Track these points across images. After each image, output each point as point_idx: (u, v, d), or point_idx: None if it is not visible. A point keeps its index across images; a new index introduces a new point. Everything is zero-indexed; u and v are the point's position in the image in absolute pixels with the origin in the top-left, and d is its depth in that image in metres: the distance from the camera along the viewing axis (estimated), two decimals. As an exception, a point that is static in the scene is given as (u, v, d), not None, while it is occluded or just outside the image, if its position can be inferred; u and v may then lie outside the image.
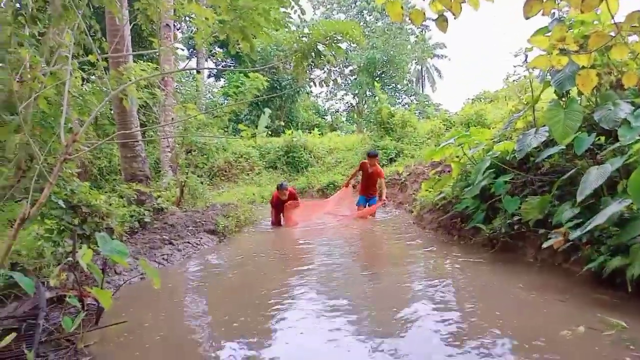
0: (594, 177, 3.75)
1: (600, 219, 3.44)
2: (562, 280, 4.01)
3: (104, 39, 4.93)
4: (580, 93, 4.82)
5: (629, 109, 4.21)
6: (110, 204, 5.15)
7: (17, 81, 3.49)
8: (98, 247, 3.17)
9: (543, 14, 2.45)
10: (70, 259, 3.97)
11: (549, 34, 2.99)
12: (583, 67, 2.96)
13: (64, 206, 4.16)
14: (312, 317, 3.44)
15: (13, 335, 2.55)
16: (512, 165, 5.47)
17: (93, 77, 5.43)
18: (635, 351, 2.54)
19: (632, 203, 3.36)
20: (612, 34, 2.52)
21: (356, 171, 9.59)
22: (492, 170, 5.55)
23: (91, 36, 4.08)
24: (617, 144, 4.08)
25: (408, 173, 11.78)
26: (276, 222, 8.84)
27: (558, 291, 3.71)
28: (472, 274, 4.48)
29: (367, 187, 9.28)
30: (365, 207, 9.25)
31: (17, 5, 4.00)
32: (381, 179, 9.06)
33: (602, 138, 4.49)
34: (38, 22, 3.88)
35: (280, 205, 8.76)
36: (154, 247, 5.78)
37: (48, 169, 3.55)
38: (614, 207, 3.43)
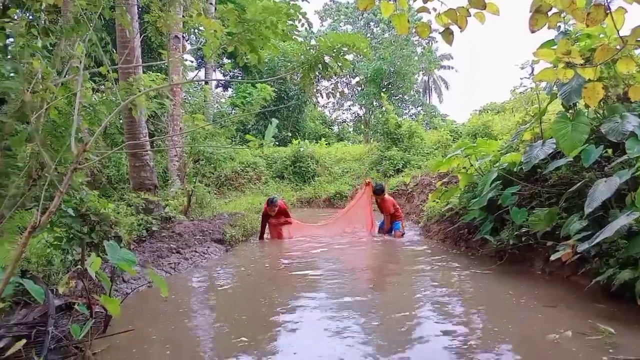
0: (601, 190, 3.74)
1: (608, 231, 3.42)
2: (569, 292, 4.02)
3: (115, 51, 5.01)
4: (587, 105, 4.82)
5: (637, 122, 4.21)
6: (118, 213, 5.20)
7: (29, 92, 3.56)
8: (106, 255, 3.21)
9: (549, 28, 2.47)
10: (79, 266, 4.01)
11: (555, 47, 3.01)
12: (589, 80, 2.97)
13: (73, 214, 4.20)
14: (319, 328, 3.44)
15: (23, 341, 2.58)
16: (520, 177, 5.46)
17: (103, 87, 5.51)
18: (612, 354, 2.69)
19: (640, 216, 3.35)
20: (618, 47, 2.53)
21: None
22: (499, 181, 5.55)
23: (102, 48, 4.15)
24: (625, 157, 4.07)
25: (415, 184, 11.78)
26: (261, 237, 8.27)
27: (562, 302, 3.74)
28: (479, 286, 4.47)
29: (383, 212, 8.43)
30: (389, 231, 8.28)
31: (30, 17, 4.10)
32: (387, 216, 8.17)
33: (610, 150, 4.48)
34: (50, 34, 3.96)
35: (267, 219, 8.25)
36: (162, 256, 5.81)
37: (58, 178, 3.61)
38: (622, 220, 3.42)
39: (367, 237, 8.21)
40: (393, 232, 8.13)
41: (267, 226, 8.30)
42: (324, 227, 8.82)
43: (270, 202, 8.06)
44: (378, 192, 8.23)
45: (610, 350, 2.74)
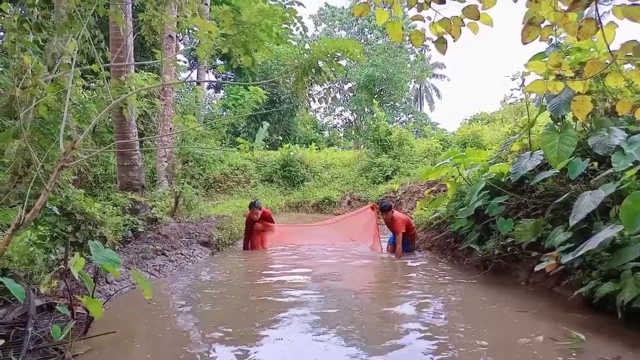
0: (586, 202, 3.78)
1: (591, 244, 3.46)
2: (551, 302, 4.06)
3: (107, 48, 4.97)
4: (575, 118, 4.88)
5: (623, 136, 4.27)
6: (104, 212, 5.14)
7: (19, 87, 3.51)
8: (90, 255, 3.16)
9: (541, 40, 2.50)
10: (62, 266, 3.95)
11: (546, 59, 3.05)
12: (578, 93, 3.01)
13: (58, 213, 4.15)
14: (301, 335, 3.43)
15: (1, 342, 2.52)
16: (507, 187, 5.50)
17: (93, 84, 5.46)
18: (574, 357, 2.85)
19: (623, 229, 3.39)
20: (608, 61, 2.57)
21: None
22: (486, 191, 5.59)
23: (95, 45, 4.12)
24: (610, 170, 4.12)
25: (403, 191, 11.83)
26: (246, 246, 7.65)
27: (543, 311, 3.80)
28: (463, 295, 4.48)
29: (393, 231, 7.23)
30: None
31: (23, 12, 4.05)
32: (398, 235, 6.88)
33: (596, 163, 4.54)
34: (43, 30, 3.92)
35: (251, 226, 7.66)
36: (147, 257, 5.75)
37: (45, 175, 3.56)
38: (605, 233, 3.46)
39: (351, 246, 7.70)
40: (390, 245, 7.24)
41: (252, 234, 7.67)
42: (314, 229, 8.43)
43: (253, 205, 7.57)
44: (385, 209, 7.13)
45: (574, 354, 2.88)
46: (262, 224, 7.68)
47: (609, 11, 2.29)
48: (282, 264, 6.54)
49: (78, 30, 3.95)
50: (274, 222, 8.05)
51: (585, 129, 5.16)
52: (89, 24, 4.08)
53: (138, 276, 3.11)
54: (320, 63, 4.78)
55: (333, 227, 8.35)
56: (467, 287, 4.77)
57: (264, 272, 5.98)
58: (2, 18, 3.72)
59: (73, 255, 3.08)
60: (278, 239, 8.04)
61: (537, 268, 4.12)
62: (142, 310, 4.05)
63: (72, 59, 3.96)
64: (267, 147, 19.31)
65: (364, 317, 3.84)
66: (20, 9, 4.31)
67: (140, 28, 5.10)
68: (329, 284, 5.13)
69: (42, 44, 4.38)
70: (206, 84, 28.60)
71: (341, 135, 37.33)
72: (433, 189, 8.58)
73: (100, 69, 4.13)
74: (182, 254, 6.37)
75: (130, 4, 7.66)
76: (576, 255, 3.63)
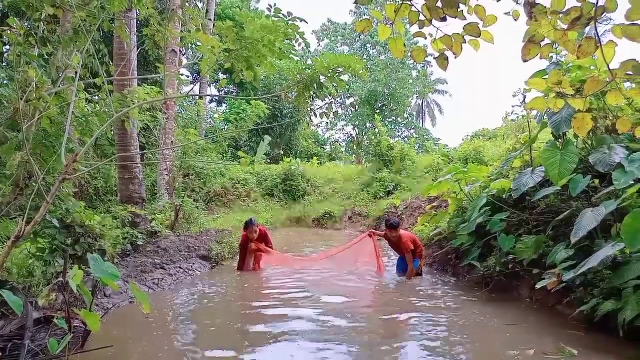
0: (588, 220, 3.77)
1: (593, 262, 3.44)
2: (552, 320, 4.04)
3: (111, 62, 5.01)
4: (576, 136, 4.89)
5: (624, 154, 4.27)
6: (104, 225, 5.12)
7: (23, 100, 3.54)
8: (89, 268, 3.15)
9: (541, 58, 2.52)
10: (60, 279, 3.92)
11: (547, 77, 3.06)
12: (579, 111, 3.02)
13: (57, 225, 4.14)
14: (300, 354, 3.38)
15: (-3, 355, 2.50)
16: (508, 203, 5.49)
17: (97, 98, 5.50)
18: None
19: (625, 247, 3.37)
20: (608, 80, 2.58)
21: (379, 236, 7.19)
22: (488, 207, 5.57)
23: (99, 59, 4.16)
24: (612, 188, 4.12)
25: (405, 207, 11.80)
26: (241, 267, 7.04)
27: (543, 329, 3.79)
28: (464, 312, 4.45)
29: (400, 251, 6.70)
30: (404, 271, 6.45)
31: (29, 26, 4.10)
32: (408, 254, 6.33)
33: (597, 181, 4.54)
34: (48, 44, 3.96)
35: (247, 248, 7.06)
36: (146, 271, 5.72)
37: (46, 188, 3.56)
38: (607, 251, 3.44)
39: (371, 275, 6.87)
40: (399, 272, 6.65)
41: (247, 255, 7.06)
42: (314, 262, 7.59)
43: (250, 224, 6.97)
44: (393, 226, 6.51)
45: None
46: (257, 245, 7.03)
47: (609, 30, 2.31)
48: (281, 282, 6.34)
49: (83, 44, 4.00)
50: (269, 240, 7.34)
51: (587, 146, 5.17)
52: (94, 38, 4.13)
53: (136, 290, 3.09)
54: (322, 78, 4.81)
55: (333, 258, 7.50)
56: (468, 305, 4.72)
57: (262, 290, 5.91)
58: (9, 32, 3.76)
59: (72, 268, 3.07)
60: (275, 261, 7.39)
61: (538, 285, 4.09)
62: (139, 324, 4.02)
63: (76, 72, 4.00)
64: (269, 161, 19.36)
65: (361, 336, 3.81)
66: (26, 23, 4.37)
67: (144, 43, 5.15)
68: (326, 303, 5.05)
69: (47, 57, 4.42)
70: (208, 97, 28.79)
71: (343, 150, 37.39)
72: (434, 204, 8.54)
73: (103, 82, 4.16)
74: (181, 268, 6.34)
75: (135, 19, 7.75)
76: (578, 273, 3.61)
